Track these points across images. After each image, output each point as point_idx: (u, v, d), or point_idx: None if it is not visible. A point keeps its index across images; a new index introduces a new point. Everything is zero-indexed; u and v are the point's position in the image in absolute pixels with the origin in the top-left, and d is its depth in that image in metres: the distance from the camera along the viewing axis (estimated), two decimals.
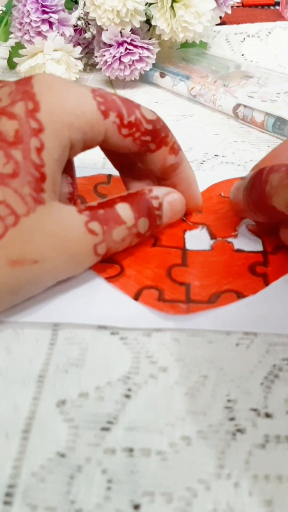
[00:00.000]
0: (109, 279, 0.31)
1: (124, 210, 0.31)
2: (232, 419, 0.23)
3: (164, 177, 0.34)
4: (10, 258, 0.26)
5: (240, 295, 0.30)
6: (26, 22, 0.61)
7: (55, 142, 0.28)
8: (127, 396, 0.24)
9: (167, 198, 0.33)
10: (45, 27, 0.61)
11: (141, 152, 0.32)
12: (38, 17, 0.60)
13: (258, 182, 0.30)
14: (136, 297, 0.30)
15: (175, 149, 0.33)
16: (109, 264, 0.32)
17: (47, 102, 0.28)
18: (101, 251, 0.30)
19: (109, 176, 0.42)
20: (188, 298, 0.30)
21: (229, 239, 0.35)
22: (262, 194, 0.30)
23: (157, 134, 0.32)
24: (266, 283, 0.31)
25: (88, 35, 0.65)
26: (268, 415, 0.23)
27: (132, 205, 0.31)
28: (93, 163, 0.45)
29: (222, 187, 0.41)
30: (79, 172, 0.42)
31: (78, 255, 0.29)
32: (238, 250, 0.34)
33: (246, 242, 0.34)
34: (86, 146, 0.30)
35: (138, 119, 0.30)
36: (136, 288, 0.31)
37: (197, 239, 0.35)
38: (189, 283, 0.31)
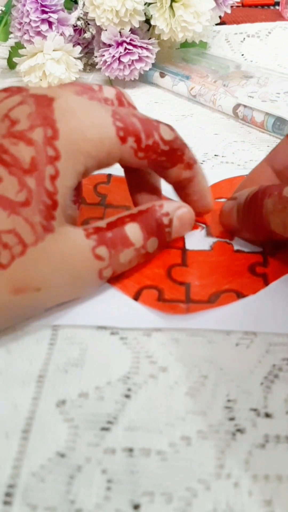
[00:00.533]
0: (109, 280, 0.31)
1: (133, 231, 0.30)
2: (232, 419, 0.23)
3: (177, 189, 0.34)
4: (14, 286, 0.26)
5: (240, 295, 0.30)
6: (26, 22, 0.61)
7: (70, 169, 0.27)
8: (127, 396, 0.24)
9: (177, 213, 0.33)
10: (44, 27, 0.61)
11: (155, 169, 0.32)
12: (37, 17, 0.60)
13: (254, 206, 0.30)
14: (136, 297, 0.30)
15: (191, 164, 0.33)
16: None
17: (67, 130, 0.27)
18: (107, 275, 0.29)
19: (109, 175, 0.42)
20: (188, 298, 0.30)
21: (229, 240, 0.35)
22: (260, 219, 0.30)
23: (174, 154, 0.31)
24: (266, 283, 0.31)
25: (87, 35, 0.65)
26: (268, 415, 0.23)
27: (142, 224, 0.30)
28: None
29: (222, 187, 0.41)
30: None
31: (82, 280, 0.28)
32: (238, 251, 0.34)
33: (245, 243, 0.34)
34: (99, 168, 0.30)
35: (155, 142, 0.30)
36: (136, 288, 0.31)
37: (197, 239, 0.35)
38: (189, 283, 0.31)
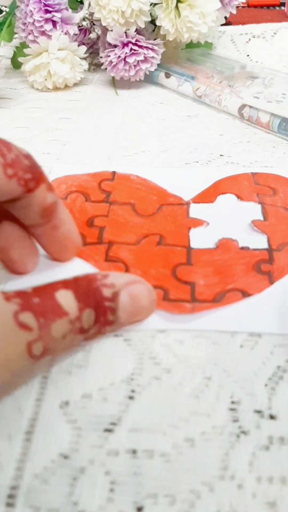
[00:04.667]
0: None
1: (66, 298, 0.24)
2: (235, 420, 0.23)
3: (44, 221, 0.30)
4: None
5: (245, 294, 0.30)
6: (30, 22, 0.61)
7: None
8: (131, 398, 0.24)
9: (128, 289, 0.27)
10: (48, 26, 0.61)
11: (21, 195, 0.28)
12: (41, 17, 0.60)
13: None
14: None
15: (52, 186, 0.29)
16: (113, 263, 0.32)
17: None
18: (37, 351, 0.23)
19: (114, 173, 0.42)
20: (193, 297, 0.30)
21: (234, 237, 0.34)
22: None
23: (36, 170, 0.28)
24: (271, 281, 0.31)
25: (93, 35, 0.66)
26: (272, 417, 0.23)
27: (76, 293, 0.25)
28: (97, 160, 0.45)
29: (226, 183, 0.41)
30: (84, 169, 0.42)
31: (7, 359, 0.22)
32: (243, 248, 0.33)
33: (251, 239, 0.34)
34: None
35: (17, 156, 0.27)
36: None
37: (202, 237, 0.35)
38: (194, 282, 0.31)
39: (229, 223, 0.36)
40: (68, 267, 0.32)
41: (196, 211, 0.38)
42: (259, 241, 0.34)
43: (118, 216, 0.37)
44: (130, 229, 0.36)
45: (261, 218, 0.36)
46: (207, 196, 0.40)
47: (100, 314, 0.26)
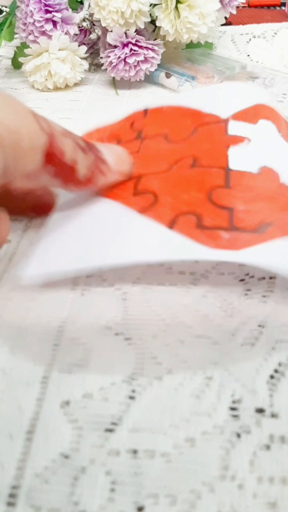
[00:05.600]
0: (142, 211, 0.28)
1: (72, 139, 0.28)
2: (236, 419, 0.23)
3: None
4: None
5: (284, 232, 0.26)
6: (30, 22, 0.61)
7: None
8: (132, 397, 0.24)
9: (110, 148, 0.31)
10: (48, 26, 0.61)
11: None
12: (41, 17, 0.60)
13: None
14: (171, 226, 0.26)
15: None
16: (141, 196, 0.29)
17: None
18: (46, 128, 0.26)
19: (145, 111, 0.38)
20: (231, 224, 0.26)
21: (275, 169, 0.30)
22: None
23: None
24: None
25: (93, 36, 0.65)
26: (273, 415, 0.23)
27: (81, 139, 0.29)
28: None
29: (267, 111, 0.35)
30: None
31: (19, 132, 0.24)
32: (283, 184, 0.29)
33: None
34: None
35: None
36: (171, 215, 0.27)
37: (243, 158, 0.30)
38: (232, 207, 0.27)
39: (271, 151, 0.32)
40: (94, 208, 0.30)
41: (236, 127, 0.33)
42: None
43: (149, 149, 0.33)
44: (162, 158, 0.32)
45: None
46: (248, 116, 0.34)
47: (98, 161, 0.29)
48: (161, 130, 0.35)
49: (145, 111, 0.38)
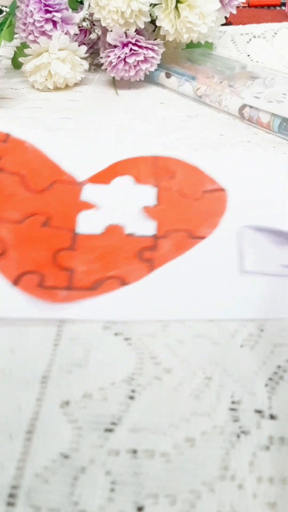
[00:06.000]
0: None
1: None
2: (236, 420, 0.23)
3: None
4: None
5: (124, 282, 0.29)
6: (30, 23, 0.61)
7: None
8: (131, 397, 0.24)
9: None
10: (48, 26, 0.61)
11: None
12: (41, 17, 0.60)
13: None
14: (15, 282, 0.29)
15: None
16: None
17: None
18: None
19: (7, 135, 0.39)
20: (70, 284, 0.29)
21: (123, 223, 0.33)
22: None
23: None
24: (152, 268, 0.30)
25: (93, 35, 0.65)
26: (272, 417, 0.23)
27: None
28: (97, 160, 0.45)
29: (126, 164, 0.40)
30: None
31: None
32: (129, 235, 0.32)
33: (139, 226, 0.33)
34: None
35: None
36: (17, 273, 0.29)
37: (90, 222, 0.33)
38: (73, 268, 0.30)
39: (121, 207, 0.35)
40: None
41: (89, 193, 0.36)
42: (148, 227, 0.33)
43: (4, 187, 0.34)
44: (16, 204, 0.33)
45: (155, 202, 0.35)
46: (104, 176, 0.38)
47: None
48: (19, 168, 0.36)
49: (7, 136, 0.39)
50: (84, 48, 0.63)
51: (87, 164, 0.39)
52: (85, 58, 0.64)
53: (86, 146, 0.42)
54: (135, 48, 0.59)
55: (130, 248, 0.31)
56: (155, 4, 0.58)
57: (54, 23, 0.62)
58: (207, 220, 0.34)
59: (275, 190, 0.37)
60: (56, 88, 0.64)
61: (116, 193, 0.36)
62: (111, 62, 0.61)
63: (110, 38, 0.60)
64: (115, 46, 0.60)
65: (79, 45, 0.63)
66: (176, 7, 0.57)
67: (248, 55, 0.74)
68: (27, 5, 0.61)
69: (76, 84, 0.66)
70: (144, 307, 0.28)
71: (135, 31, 0.59)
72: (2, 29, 0.66)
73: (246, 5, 0.98)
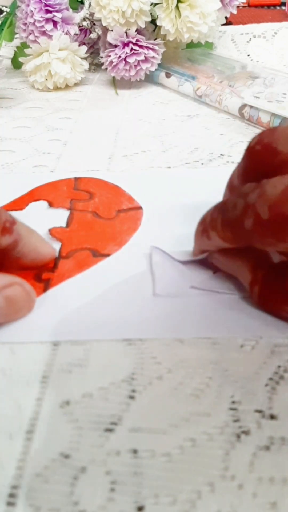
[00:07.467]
0: None
1: None
2: (236, 420, 0.23)
3: (5, 257, 0.30)
4: None
5: None
6: (30, 22, 0.61)
7: None
8: (131, 397, 0.24)
9: (4, 292, 0.27)
10: (49, 26, 0.61)
11: None
12: (41, 17, 0.60)
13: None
14: None
15: (8, 228, 0.28)
16: None
17: None
18: None
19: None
20: None
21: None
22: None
23: None
24: (46, 289, 0.30)
25: (93, 35, 0.66)
26: (273, 417, 0.23)
27: None
28: (97, 160, 0.45)
29: (44, 190, 0.41)
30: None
31: None
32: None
33: None
34: None
35: None
36: None
37: None
38: None
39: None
40: None
41: None
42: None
43: None
44: None
45: (64, 225, 0.36)
46: (19, 203, 0.39)
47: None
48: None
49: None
50: (84, 48, 0.63)
51: (6, 193, 0.40)
52: (85, 58, 0.64)
53: (5, 176, 0.43)
54: (136, 47, 0.60)
55: (30, 271, 0.32)
56: (155, 4, 0.58)
57: (55, 23, 0.62)
58: (115, 238, 0.34)
59: (192, 208, 0.37)
60: (56, 88, 0.64)
61: (29, 217, 0.35)
62: (111, 62, 0.61)
63: (110, 37, 0.60)
64: (116, 46, 0.60)
65: (79, 45, 0.63)
66: (177, 6, 0.57)
67: (248, 55, 0.74)
68: (28, 5, 0.61)
69: (76, 84, 0.66)
70: (35, 327, 0.28)
71: (135, 31, 0.59)
72: (2, 29, 0.66)
73: (246, 5, 0.98)
